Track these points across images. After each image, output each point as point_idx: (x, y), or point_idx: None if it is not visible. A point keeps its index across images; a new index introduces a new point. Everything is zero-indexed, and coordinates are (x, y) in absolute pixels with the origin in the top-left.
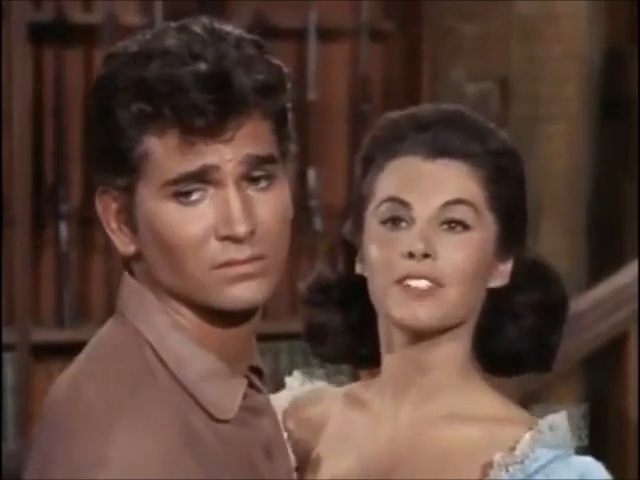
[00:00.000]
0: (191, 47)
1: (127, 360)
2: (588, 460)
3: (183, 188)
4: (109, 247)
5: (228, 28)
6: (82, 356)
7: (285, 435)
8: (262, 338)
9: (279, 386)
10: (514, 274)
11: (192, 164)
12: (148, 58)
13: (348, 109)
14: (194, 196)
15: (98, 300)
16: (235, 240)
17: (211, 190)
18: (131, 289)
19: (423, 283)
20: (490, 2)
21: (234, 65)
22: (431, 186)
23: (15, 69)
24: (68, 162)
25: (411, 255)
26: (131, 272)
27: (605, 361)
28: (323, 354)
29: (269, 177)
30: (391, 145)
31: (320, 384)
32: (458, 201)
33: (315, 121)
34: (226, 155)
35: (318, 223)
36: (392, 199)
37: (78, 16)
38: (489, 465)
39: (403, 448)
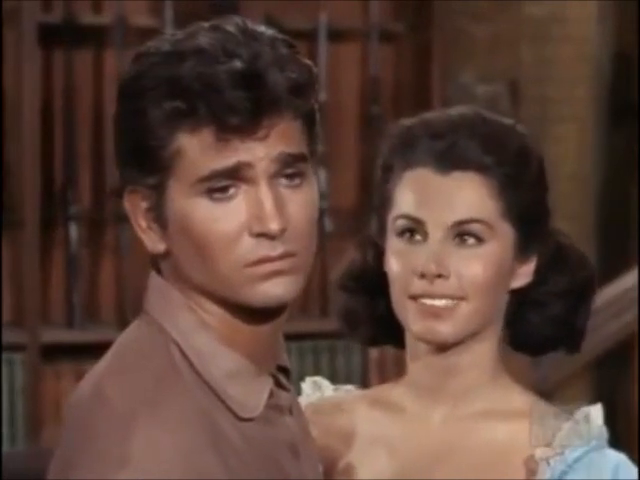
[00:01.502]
0: (225, 46)
1: (151, 358)
2: (620, 454)
3: (216, 184)
4: (119, 248)
5: (261, 28)
6: (108, 355)
7: None
8: None
9: None
10: (537, 265)
11: (225, 161)
12: (182, 57)
13: (358, 110)
14: (230, 191)
15: (107, 301)
16: (268, 237)
17: (243, 187)
18: (158, 288)
19: (437, 302)
20: (500, 4)
21: (268, 64)
22: (443, 203)
23: (25, 70)
24: (78, 163)
25: (424, 275)
26: (158, 271)
27: (614, 362)
28: (356, 337)
29: (300, 175)
30: (406, 154)
31: (329, 392)
32: (470, 220)
33: (325, 122)
34: (259, 153)
35: (328, 224)
36: (406, 216)
37: (88, 17)
38: (531, 459)
39: (441, 448)
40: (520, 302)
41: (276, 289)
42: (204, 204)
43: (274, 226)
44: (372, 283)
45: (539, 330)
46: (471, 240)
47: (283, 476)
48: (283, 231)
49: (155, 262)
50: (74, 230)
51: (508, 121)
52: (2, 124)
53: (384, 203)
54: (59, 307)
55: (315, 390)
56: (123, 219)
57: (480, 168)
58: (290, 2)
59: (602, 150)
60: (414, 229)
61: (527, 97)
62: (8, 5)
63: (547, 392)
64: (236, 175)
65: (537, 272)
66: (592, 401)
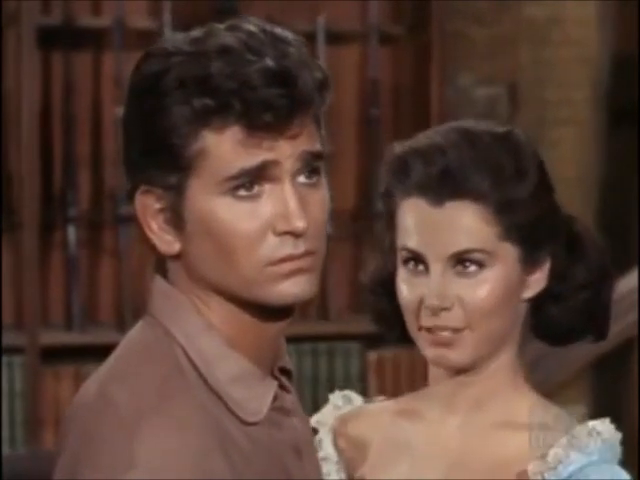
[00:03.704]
0: (250, 45)
1: (157, 361)
2: (620, 471)
3: (242, 182)
4: (117, 250)
5: (277, 28)
6: (111, 358)
7: (336, 453)
8: None
9: None
10: (553, 264)
11: (253, 159)
12: (208, 56)
13: (357, 113)
14: (254, 190)
15: (106, 303)
16: (293, 235)
17: (267, 186)
18: (163, 291)
19: (445, 333)
20: (499, 6)
21: (297, 63)
22: (440, 236)
23: (24, 73)
24: (77, 166)
25: (427, 308)
26: (163, 275)
27: (613, 365)
28: (391, 337)
29: (317, 174)
30: (401, 182)
31: (359, 403)
32: (468, 251)
33: (324, 125)
34: (286, 151)
35: (327, 227)
36: (406, 249)
37: (87, 19)
38: (524, 474)
39: (454, 456)
40: (541, 297)
41: (296, 287)
42: (228, 203)
43: (300, 224)
44: (394, 287)
45: (562, 322)
46: (472, 267)
47: (288, 478)
48: (306, 229)
49: (160, 265)
50: (73, 232)
51: (500, 132)
52: (1, 126)
53: (390, 228)
54: (58, 309)
55: (346, 403)
56: (122, 221)
57: (473, 196)
58: (289, 4)
59: (601, 153)
60: (416, 259)
61: (526, 100)
62: (7, 7)
63: (545, 395)
64: (262, 173)
65: (553, 269)
66: (590, 404)
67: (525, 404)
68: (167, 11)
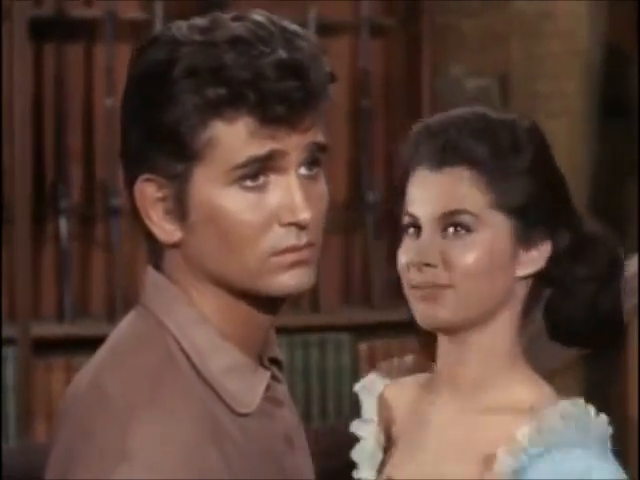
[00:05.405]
0: (262, 36)
1: (150, 353)
2: (591, 457)
3: (249, 172)
4: (109, 242)
5: (283, 20)
6: (102, 349)
7: (377, 419)
8: None
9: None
10: (557, 253)
11: (261, 148)
12: (219, 46)
13: (348, 104)
14: (260, 180)
15: (98, 295)
16: (298, 227)
17: (272, 177)
18: (155, 283)
19: (426, 290)
20: None
21: (308, 57)
22: (432, 197)
23: (15, 64)
24: (68, 158)
25: (414, 266)
26: (156, 266)
27: (605, 354)
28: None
29: (318, 165)
30: (412, 157)
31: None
32: (455, 211)
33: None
34: (293, 142)
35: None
36: (407, 214)
37: (79, 11)
38: (492, 455)
39: (448, 439)
40: (552, 289)
41: (295, 279)
42: (234, 193)
43: (306, 216)
44: None
45: (570, 317)
46: (462, 231)
47: (280, 468)
48: (310, 221)
49: (155, 256)
50: (65, 225)
51: (506, 116)
52: None
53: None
54: (50, 301)
55: (391, 373)
56: (113, 214)
57: (469, 162)
58: None
59: (593, 145)
60: (414, 225)
61: (517, 92)
62: None
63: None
64: (269, 163)
65: (557, 258)
66: (581, 394)
67: (518, 387)
68: (158, 3)
